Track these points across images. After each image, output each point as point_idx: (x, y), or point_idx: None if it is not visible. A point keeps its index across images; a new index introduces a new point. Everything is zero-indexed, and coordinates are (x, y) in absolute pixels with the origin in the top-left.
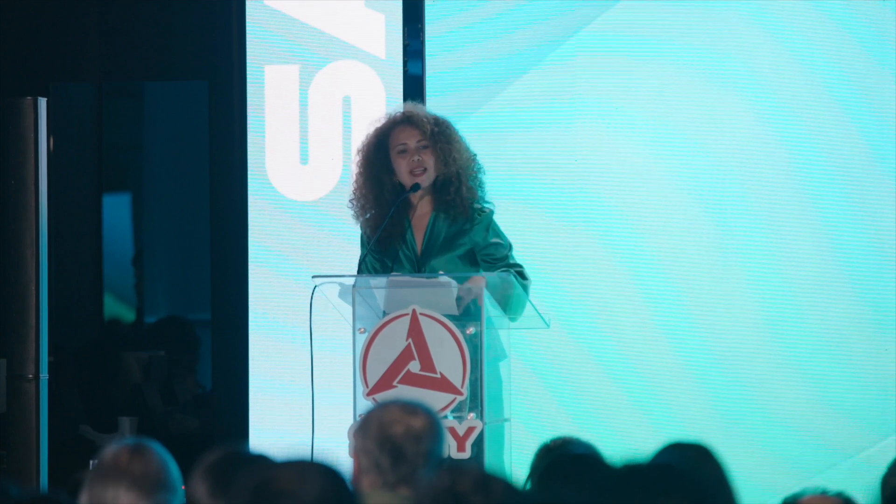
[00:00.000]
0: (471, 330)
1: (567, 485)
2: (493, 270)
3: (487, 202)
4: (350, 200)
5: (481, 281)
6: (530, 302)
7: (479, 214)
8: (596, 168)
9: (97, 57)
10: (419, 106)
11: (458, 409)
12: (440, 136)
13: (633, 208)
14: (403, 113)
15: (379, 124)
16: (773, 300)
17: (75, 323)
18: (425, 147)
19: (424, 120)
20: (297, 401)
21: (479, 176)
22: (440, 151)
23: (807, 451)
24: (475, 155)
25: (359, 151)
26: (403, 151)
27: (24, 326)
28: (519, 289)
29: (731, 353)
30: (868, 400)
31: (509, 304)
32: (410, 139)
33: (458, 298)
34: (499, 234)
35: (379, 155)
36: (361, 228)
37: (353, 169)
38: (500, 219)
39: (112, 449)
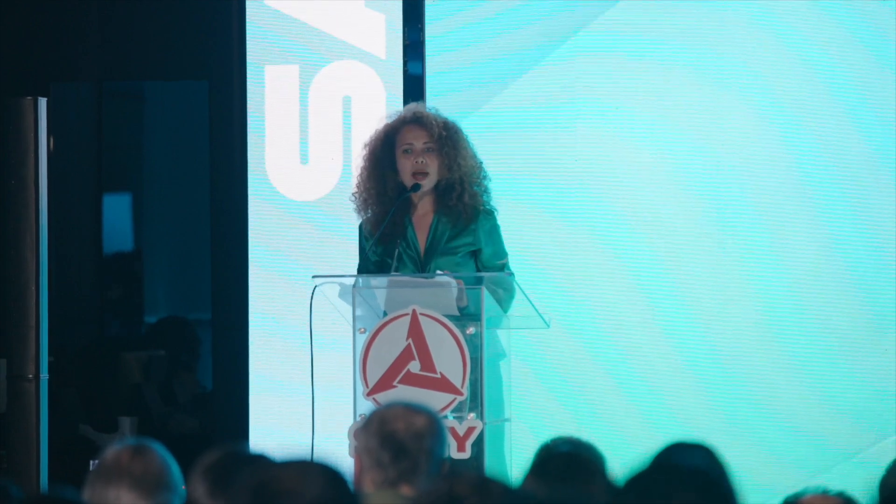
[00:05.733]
0: (471, 330)
1: (567, 484)
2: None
3: (491, 206)
4: (352, 193)
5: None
6: (530, 302)
7: (486, 215)
8: (596, 167)
9: (97, 57)
10: (431, 108)
11: (459, 409)
12: (447, 140)
13: (634, 208)
14: (414, 113)
15: (389, 121)
16: (774, 300)
17: (75, 323)
18: (430, 150)
19: (434, 123)
20: (297, 401)
21: (485, 183)
22: (445, 156)
23: (806, 451)
24: (482, 162)
25: (365, 145)
26: (408, 151)
27: (24, 326)
28: (508, 294)
29: (731, 352)
30: (867, 400)
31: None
32: (417, 140)
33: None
34: (499, 241)
35: (385, 151)
36: (361, 224)
37: (359, 162)
38: (499, 218)
39: (113, 449)
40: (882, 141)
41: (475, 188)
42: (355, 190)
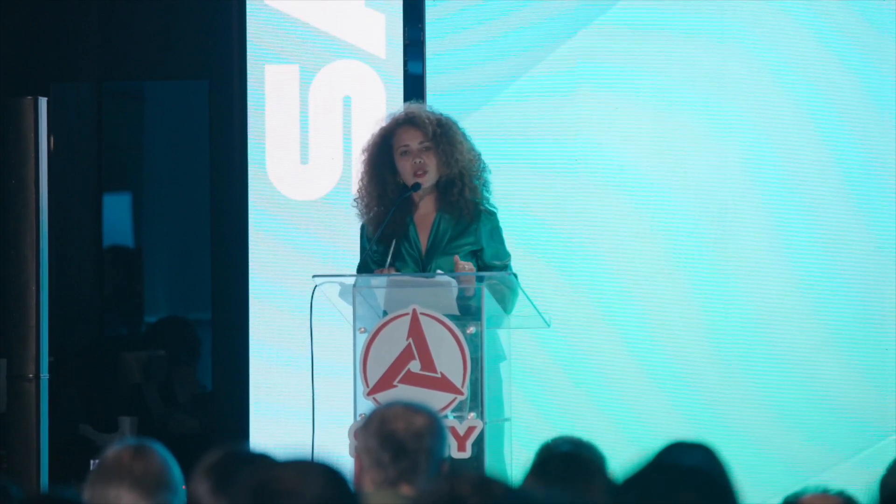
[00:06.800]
0: (471, 329)
1: (568, 484)
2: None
3: (492, 205)
4: (354, 199)
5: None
6: (531, 301)
7: (488, 216)
8: (594, 169)
9: (97, 57)
10: (423, 106)
11: (459, 408)
12: (442, 137)
13: (634, 209)
14: (406, 113)
15: (383, 124)
16: (771, 300)
17: (75, 323)
18: (427, 149)
19: (427, 121)
20: (298, 401)
21: (484, 175)
22: (442, 153)
23: (804, 451)
24: (480, 154)
25: (363, 151)
26: (406, 153)
27: (24, 326)
28: (512, 294)
29: (730, 352)
30: (865, 400)
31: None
32: (413, 140)
33: (460, 294)
34: (500, 242)
35: (382, 155)
36: (364, 226)
37: (358, 167)
38: (504, 214)
39: (114, 449)
40: (880, 142)
41: (475, 182)
42: (356, 195)
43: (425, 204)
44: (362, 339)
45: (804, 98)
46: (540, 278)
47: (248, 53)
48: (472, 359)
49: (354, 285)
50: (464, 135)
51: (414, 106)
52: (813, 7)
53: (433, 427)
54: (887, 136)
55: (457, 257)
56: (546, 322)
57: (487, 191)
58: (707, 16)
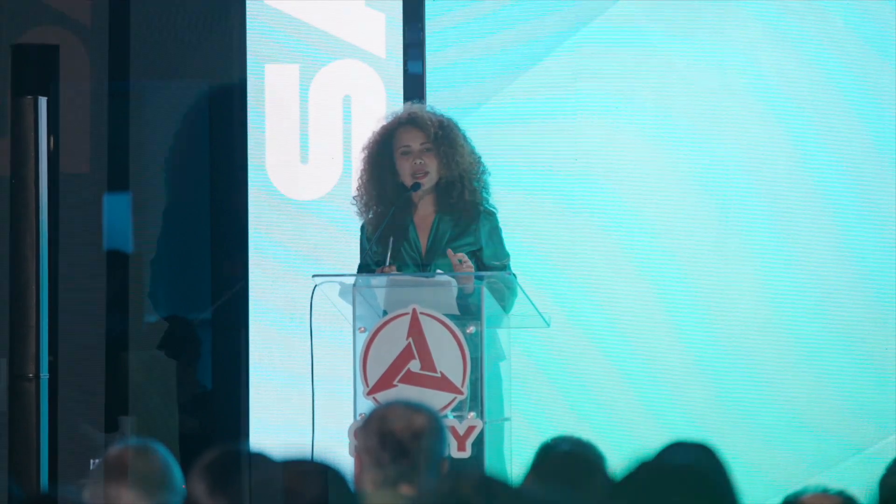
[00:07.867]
0: (471, 329)
1: (567, 483)
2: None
3: (491, 205)
4: (353, 197)
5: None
6: (530, 301)
7: (487, 216)
8: (601, 163)
9: (97, 57)
10: (424, 106)
11: (459, 408)
12: (444, 139)
13: (642, 203)
14: (409, 114)
15: (384, 123)
16: (783, 295)
17: (75, 322)
18: (428, 150)
19: (429, 122)
20: (298, 400)
21: (484, 178)
22: (443, 155)
23: (812, 447)
24: (480, 157)
25: (363, 149)
26: (406, 153)
27: (24, 326)
28: (511, 293)
29: (738, 349)
30: (876, 396)
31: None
32: (414, 141)
33: (459, 293)
34: (500, 242)
35: (383, 154)
36: (364, 226)
37: (358, 166)
38: (503, 215)
39: (116, 448)
40: (885, 135)
41: (475, 185)
42: (356, 193)
43: (424, 205)
44: (362, 338)
45: (810, 101)
46: (538, 277)
47: (248, 53)
48: (471, 358)
49: (354, 285)
50: (465, 137)
51: (416, 106)
52: (813, 10)
53: (433, 427)
54: (892, 134)
55: (450, 251)
56: (546, 322)
57: (487, 192)
58: (706, 19)
